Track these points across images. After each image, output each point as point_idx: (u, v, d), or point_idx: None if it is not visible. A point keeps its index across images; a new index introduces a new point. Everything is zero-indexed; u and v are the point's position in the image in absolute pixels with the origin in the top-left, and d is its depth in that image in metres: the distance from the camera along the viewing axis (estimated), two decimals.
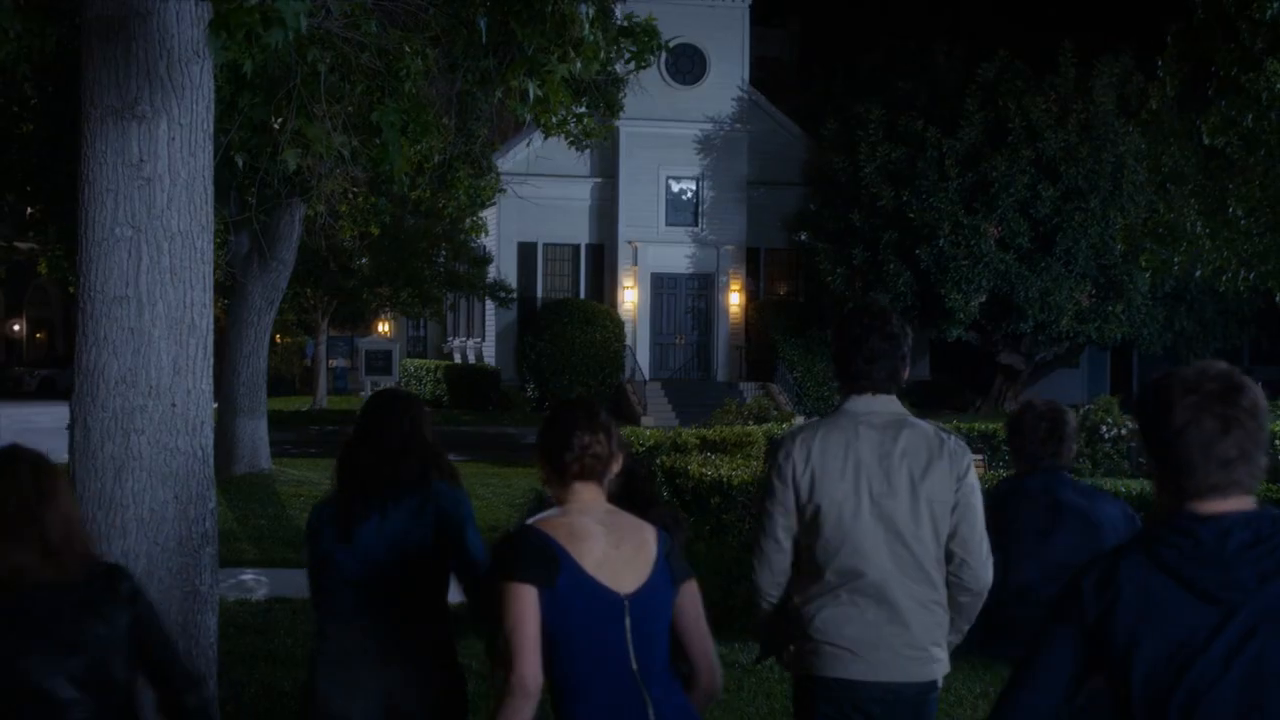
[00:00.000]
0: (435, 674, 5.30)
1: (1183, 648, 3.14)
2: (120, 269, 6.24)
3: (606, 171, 45.31)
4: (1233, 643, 3.12)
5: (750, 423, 23.75)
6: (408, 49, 7.56)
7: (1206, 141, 23.99)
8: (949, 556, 5.12)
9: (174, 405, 6.40)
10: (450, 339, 52.32)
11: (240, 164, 9.09)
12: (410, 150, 8.16)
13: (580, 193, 44.41)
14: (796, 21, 61.92)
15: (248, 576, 13.84)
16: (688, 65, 45.43)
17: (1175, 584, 3.18)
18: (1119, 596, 3.21)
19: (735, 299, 45.86)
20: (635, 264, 45.22)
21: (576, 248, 46.19)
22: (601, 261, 46.06)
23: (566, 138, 25.05)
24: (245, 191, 14.34)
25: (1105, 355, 49.84)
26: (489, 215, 44.48)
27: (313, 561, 5.42)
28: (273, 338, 54.78)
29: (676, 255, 45.50)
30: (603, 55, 7.69)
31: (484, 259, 43.91)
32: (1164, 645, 3.16)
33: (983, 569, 5.15)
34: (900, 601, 5.03)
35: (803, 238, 45.43)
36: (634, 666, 4.31)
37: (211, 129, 6.27)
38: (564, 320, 43.56)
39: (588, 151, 44.61)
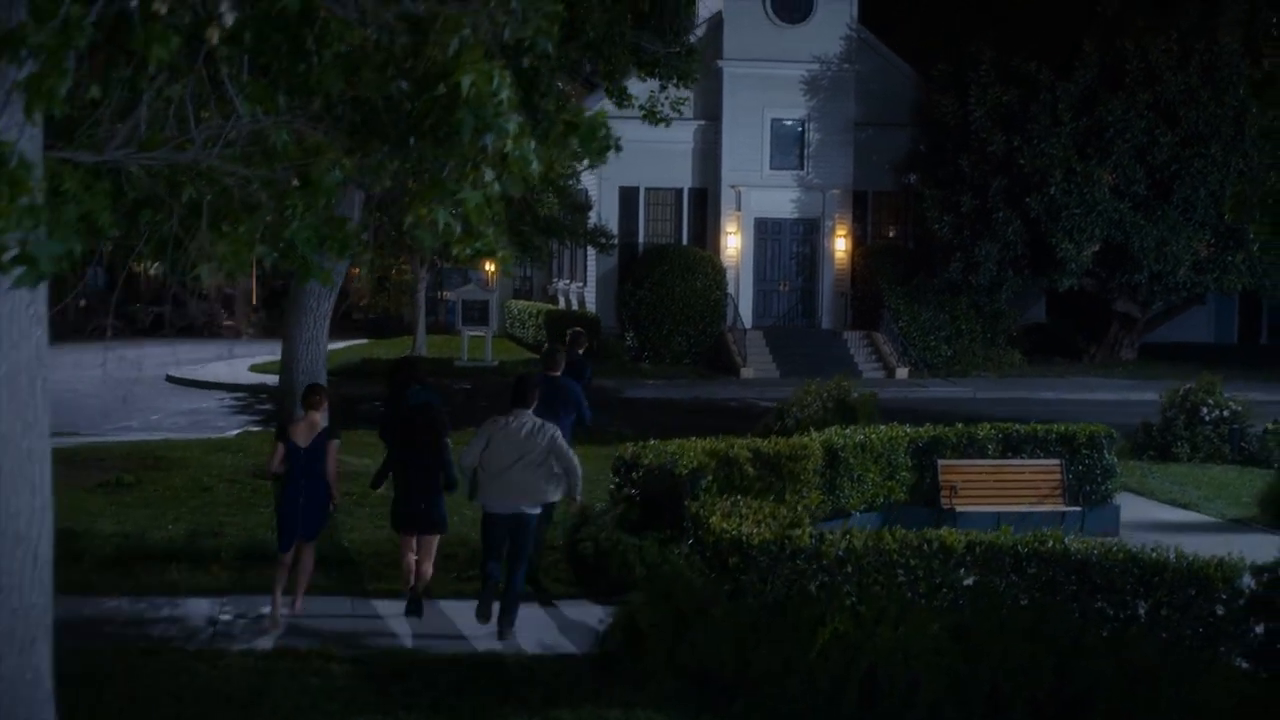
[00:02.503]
0: None
1: None
2: None
3: (710, 113, 44.27)
4: None
5: (830, 405, 22.87)
6: (323, 159, 6.86)
7: None
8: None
9: None
10: (555, 281, 51.81)
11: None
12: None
13: (683, 136, 43.37)
14: None
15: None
16: (794, 3, 44.13)
17: None
18: None
19: (841, 245, 44.73)
20: (738, 209, 44.24)
21: (679, 192, 45.31)
22: (704, 206, 45.14)
23: (645, 118, 24.40)
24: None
25: (1234, 294, 47.78)
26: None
27: None
28: (385, 274, 55.03)
29: (781, 199, 44.44)
30: (538, 166, 6.89)
31: (584, 204, 43.22)
32: None
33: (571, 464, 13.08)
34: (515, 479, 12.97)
35: (911, 180, 44.12)
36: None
37: None
38: (664, 268, 42.80)
39: (689, 92, 43.80)
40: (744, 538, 11.60)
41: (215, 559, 15.67)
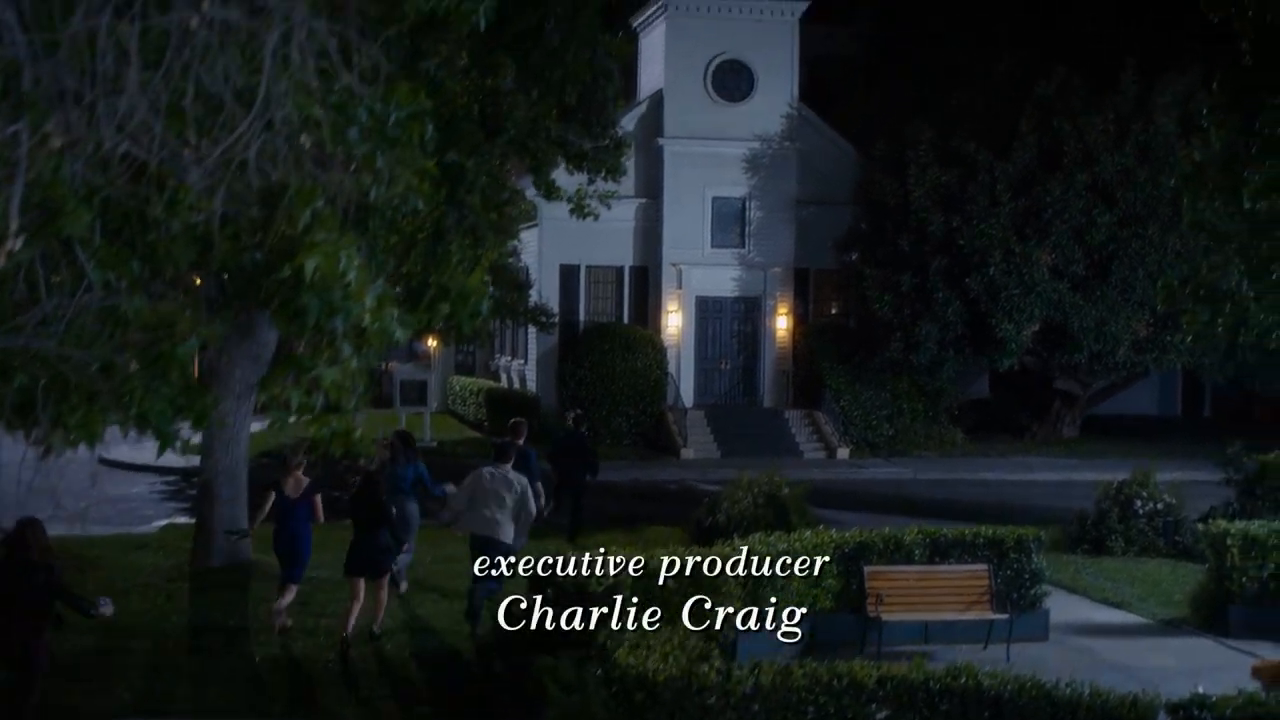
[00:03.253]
0: None
1: None
2: None
3: (651, 191, 44.20)
4: None
5: (760, 500, 22.59)
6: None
7: (1246, 206, 22.53)
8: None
9: None
10: (497, 356, 51.49)
11: None
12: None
13: (624, 214, 43.24)
14: (862, 19, 60.44)
15: None
16: (734, 82, 44.20)
17: None
18: None
19: (783, 323, 44.62)
20: (680, 287, 44.11)
21: (620, 270, 45.14)
22: (646, 284, 44.98)
23: (573, 211, 24.31)
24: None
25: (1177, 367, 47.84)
26: (530, 237, 43.59)
27: None
28: None
29: (722, 277, 44.32)
30: (403, 335, 6.60)
31: (524, 283, 42.96)
32: None
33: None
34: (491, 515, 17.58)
35: (853, 258, 44.08)
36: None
37: None
38: (605, 347, 42.55)
39: (631, 170, 43.67)
40: (650, 673, 11.28)
41: (121, 676, 15.24)
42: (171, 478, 35.74)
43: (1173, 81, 41.48)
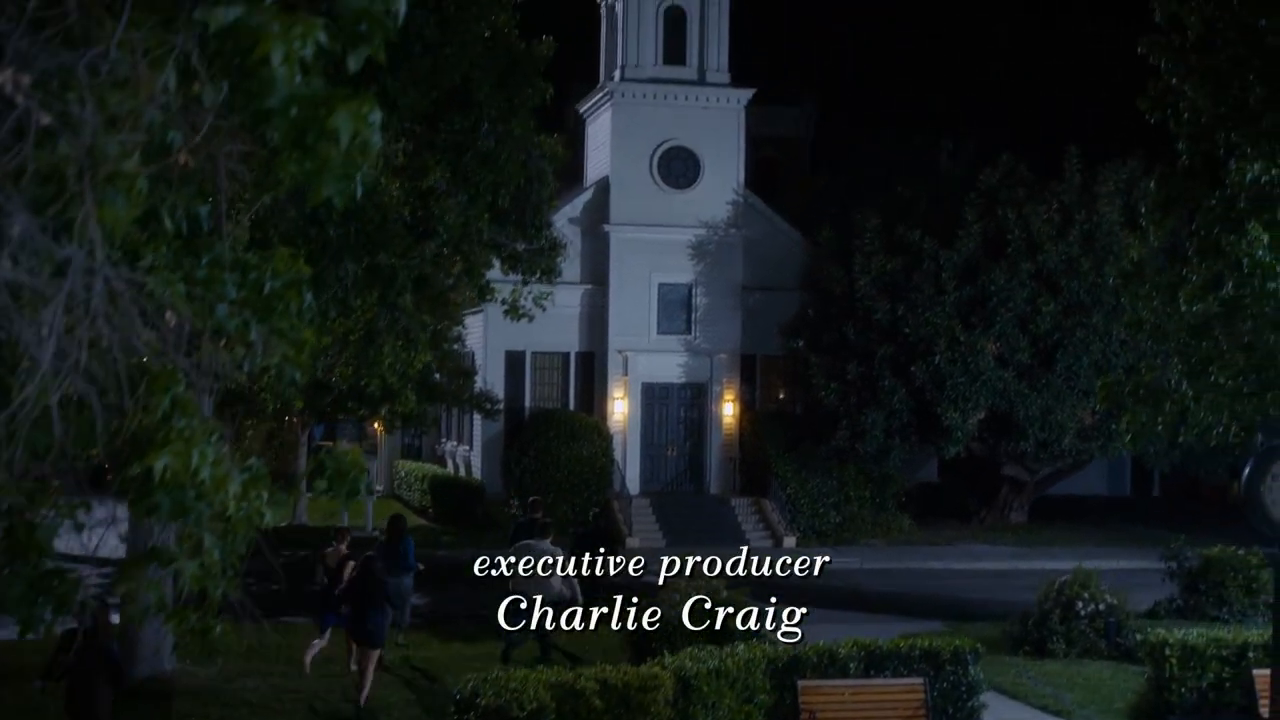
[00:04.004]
0: None
1: None
2: None
3: (597, 278, 44.08)
4: None
5: (695, 600, 22.21)
6: None
7: (1183, 309, 22.53)
8: None
9: None
10: (443, 441, 51.07)
11: None
12: None
13: (570, 299, 43.11)
14: (812, 100, 60.79)
15: None
16: (681, 168, 44.22)
17: None
18: None
19: (729, 409, 44.43)
20: (625, 373, 43.89)
21: (566, 355, 44.91)
22: (592, 370, 44.75)
23: (507, 313, 24.11)
24: None
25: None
26: (475, 323, 43.36)
27: None
28: (273, 430, 53.88)
29: (668, 364, 44.14)
30: (270, 518, 6.28)
31: (468, 370, 42.68)
32: None
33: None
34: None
35: (799, 345, 43.98)
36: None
37: None
38: (550, 434, 42.24)
39: (577, 257, 43.57)
40: None
41: None
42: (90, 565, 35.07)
43: (1115, 171, 41.70)
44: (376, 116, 4.29)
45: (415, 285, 20.07)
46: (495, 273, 23.48)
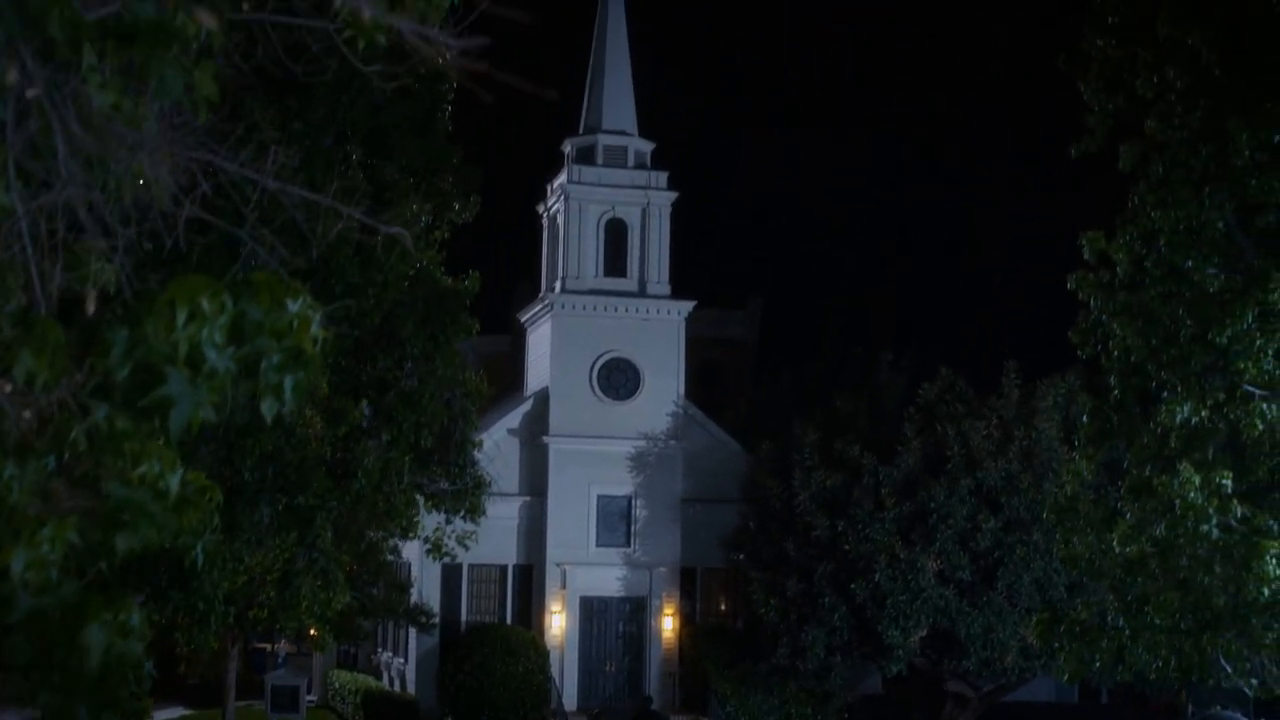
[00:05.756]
0: None
1: None
2: None
3: (536, 489, 43.70)
4: None
5: None
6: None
7: (1117, 550, 22.32)
8: None
9: None
10: (379, 651, 50.04)
11: None
12: None
13: (508, 511, 42.65)
14: (758, 302, 61.19)
15: None
16: (620, 380, 44.17)
17: None
18: None
19: (669, 623, 43.81)
20: (564, 587, 43.29)
21: (504, 568, 44.31)
22: (529, 583, 44.14)
23: (429, 553, 23.69)
24: None
25: None
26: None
27: None
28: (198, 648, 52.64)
29: (607, 577, 43.59)
30: None
31: (403, 583, 41.88)
32: None
33: None
34: None
35: (740, 557, 43.51)
36: None
37: None
38: (486, 650, 41.46)
39: (516, 468, 43.19)
40: None
41: None
42: None
43: (1053, 386, 41.77)
44: (136, 620, 3.90)
45: (334, 526, 19.66)
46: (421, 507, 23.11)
